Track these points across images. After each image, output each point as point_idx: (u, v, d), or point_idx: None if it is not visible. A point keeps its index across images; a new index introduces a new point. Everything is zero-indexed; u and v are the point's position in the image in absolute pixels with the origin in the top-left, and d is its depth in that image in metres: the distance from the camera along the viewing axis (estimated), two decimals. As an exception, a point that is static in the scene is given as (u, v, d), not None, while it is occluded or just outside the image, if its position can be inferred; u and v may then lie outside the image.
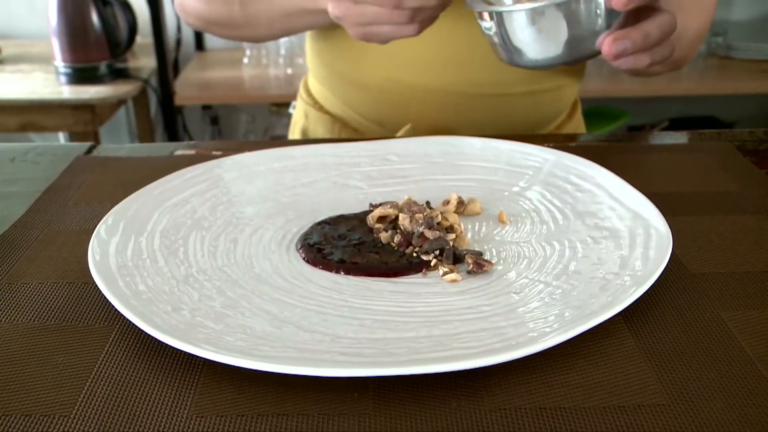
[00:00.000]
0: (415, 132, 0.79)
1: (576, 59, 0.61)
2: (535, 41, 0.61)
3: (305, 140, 0.84)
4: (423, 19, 0.64)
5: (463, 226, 0.53)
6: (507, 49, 0.63)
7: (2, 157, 0.70)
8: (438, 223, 0.52)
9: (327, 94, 0.89)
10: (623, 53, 0.59)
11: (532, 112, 0.84)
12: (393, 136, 0.80)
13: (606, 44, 0.58)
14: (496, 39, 0.63)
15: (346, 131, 0.87)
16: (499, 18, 0.62)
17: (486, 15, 0.63)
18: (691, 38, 0.77)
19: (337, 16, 0.65)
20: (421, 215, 0.51)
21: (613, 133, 0.77)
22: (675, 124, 2.27)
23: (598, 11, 0.59)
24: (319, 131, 0.90)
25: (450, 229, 0.52)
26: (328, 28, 0.81)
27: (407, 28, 0.63)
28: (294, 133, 0.96)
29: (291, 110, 0.94)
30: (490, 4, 0.66)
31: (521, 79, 0.80)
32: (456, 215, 0.53)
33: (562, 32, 0.59)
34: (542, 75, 0.82)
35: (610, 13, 0.59)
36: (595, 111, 2.20)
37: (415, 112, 0.81)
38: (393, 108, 0.82)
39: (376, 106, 0.84)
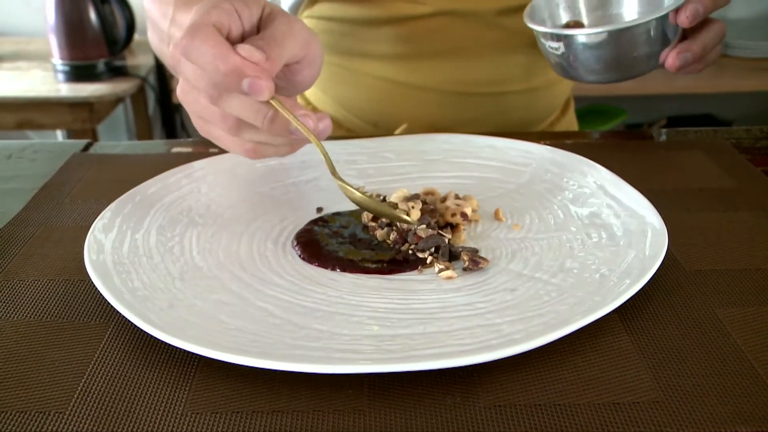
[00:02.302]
0: (411, 131, 0.79)
1: (639, 74, 0.65)
2: (603, 62, 0.64)
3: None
4: (248, 143, 0.51)
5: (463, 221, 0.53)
6: (573, 68, 0.66)
7: (-1, 154, 0.70)
8: (435, 221, 0.52)
9: (320, 94, 0.88)
10: (685, 65, 0.63)
11: (526, 109, 0.84)
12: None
13: (670, 58, 0.63)
14: (561, 60, 0.66)
15: (340, 132, 0.87)
16: (567, 41, 0.64)
17: (553, 36, 0.65)
18: None
19: (178, 95, 0.52)
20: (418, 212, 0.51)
21: (609, 131, 0.77)
22: (672, 122, 2.26)
23: (661, 30, 0.62)
24: None
25: (446, 226, 0.52)
26: (321, 30, 0.81)
27: (233, 141, 0.51)
28: None
29: None
30: (545, 21, 0.68)
31: (515, 78, 0.81)
32: (460, 207, 0.53)
33: (630, 52, 0.63)
34: (536, 73, 0.82)
35: (671, 30, 0.62)
36: (593, 109, 2.20)
37: (409, 111, 0.81)
38: (387, 107, 0.82)
39: (370, 105, 0.84)
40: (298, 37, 0.47)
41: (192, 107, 0.50)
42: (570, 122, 0.93)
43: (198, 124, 0.52)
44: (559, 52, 0.65)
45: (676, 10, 0.61)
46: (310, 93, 0.90)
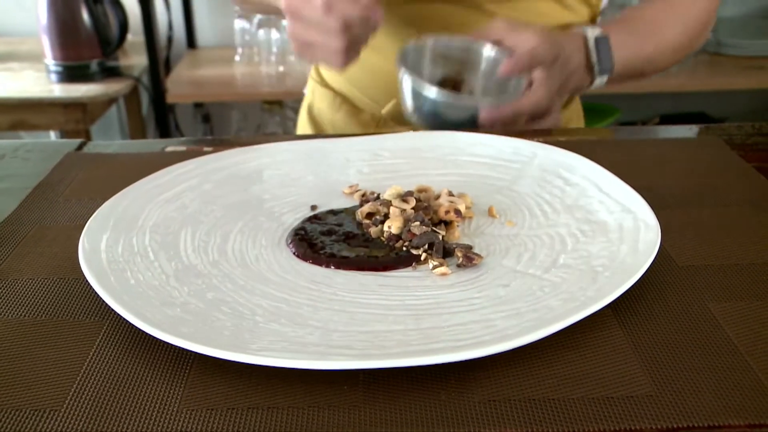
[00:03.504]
0: (398, 109, 0.85)
1: (472, 128, 0.72)
2: (439, 118, 0.74)
3: (295, 136, 0.86)
4: (351, 38, 0.68)
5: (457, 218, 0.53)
6: (415, 110, 0.76)
7: (-8, 154, 0.70)
8: (429, 218, 0.52)
9: (332, 72, 0.96)
10: (494, 125, 0.73)
11: None
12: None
13: (484, 112, 0.73)
14: (409, 102, 0.76)
15: (346, 105, 0.93)
16: (415, 92, 0.74)
17: (408, 81, 0.75)
18: (671, 48, 0.86)
19: (284, 9, 0.70)
20: (412, 211, 0.52)
21: (603, 128, 0.77)
22: (666, 120, 2.27)
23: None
24: (323, 106, 0.96)
25: (440, 224, 0.52)
26: None
27: (335, 41, 0.68)
28: (303, 108, 1.02)
29: (305, 90, 1.04)
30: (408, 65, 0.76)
31: None
32: (453, 205, 0.53)
33: (465, 115, 0.74)
34: None
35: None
36: (587, 107, 2.19)
37: (393, 87, 0.86)
38: (388, 85, 0.86)
39: (374, 83, 0.89)
40: None
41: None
42: (572, 115, 0.97)
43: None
44: (416, 101, 0.75)
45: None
46: (324, 70, 0.97)
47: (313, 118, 0.98)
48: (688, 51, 0.89)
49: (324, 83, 0.96)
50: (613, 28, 0.81)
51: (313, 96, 0.98)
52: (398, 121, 0.87)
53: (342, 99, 0.94)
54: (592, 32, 0.79)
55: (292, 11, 0.69)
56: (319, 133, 0.95)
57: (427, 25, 0.83)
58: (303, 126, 1.00)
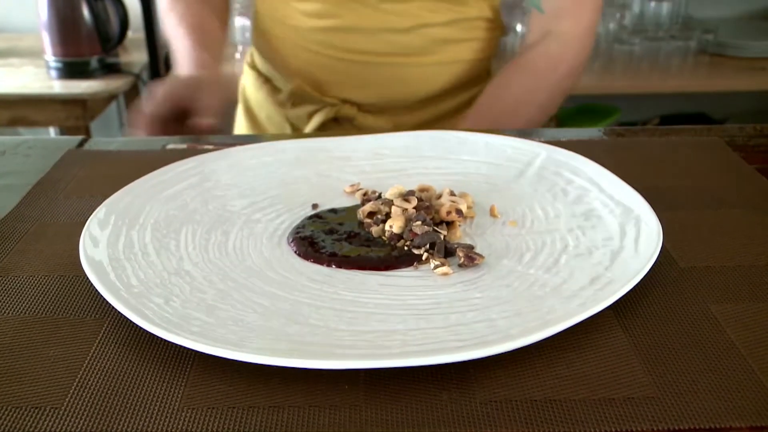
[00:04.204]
0: (299, 88, 0.96)
1: None
2: None
3: (297, 135, 0.88)
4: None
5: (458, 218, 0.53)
6: None
7: (-7, 150, 0.70)
8: (431, 218, 0.52)
9: (258, 56, 1.05)
10: None
11: (427, 81, 0.95)
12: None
13: None
14: None
15: (267, 85, 1.02)
16: None
17: None
18: (536, 104, 0.93)
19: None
20: (413, 211, 0.52)
21: (604, 129, 0.77)
22: (666, 121, 2.27)
23: None
24: (248, 84, 1.06)
25: (441, 223, 0.52)
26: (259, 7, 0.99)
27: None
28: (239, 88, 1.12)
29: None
30: None
31: (411, 52, 0.92)
32: (455, 205, 0.53)
33: None
34: (433, 50, 0.93)
35: None
36: (587, 107, 2.20)
37: (326, 75, 0.96)
38: (309, 70, 0.96)
39: (296, 67, 0.97)
40: None
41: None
42: None
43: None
44: None
45: None
46: (256, 56, 1.05)
47: (244, 95, 1.07)
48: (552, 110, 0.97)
49: (252, 64, 1.06)
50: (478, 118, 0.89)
51: (245, 76, 1.08)
52: (304, 100, 0.96)
53: (264, 79, 1.03)
54: None
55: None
56: (248, 110, 1.06)
57: (332, 17, 0.90)
58: (240, 104, 1.10)
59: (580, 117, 2.20)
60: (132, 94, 2.07)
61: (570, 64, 0.92)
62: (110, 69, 1.86)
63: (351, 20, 0.91)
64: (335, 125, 0.98)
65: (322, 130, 0.96)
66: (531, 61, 0.93)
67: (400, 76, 0.94)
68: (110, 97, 1.90)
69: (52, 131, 2.09)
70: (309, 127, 0.96)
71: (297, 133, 0.97)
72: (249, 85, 1.06)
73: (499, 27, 0.97)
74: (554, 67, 0.92)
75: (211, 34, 0.94)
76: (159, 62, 1.88)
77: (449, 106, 0.99)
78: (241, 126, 1.08)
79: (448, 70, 0.95)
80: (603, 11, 2.04)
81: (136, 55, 1.99)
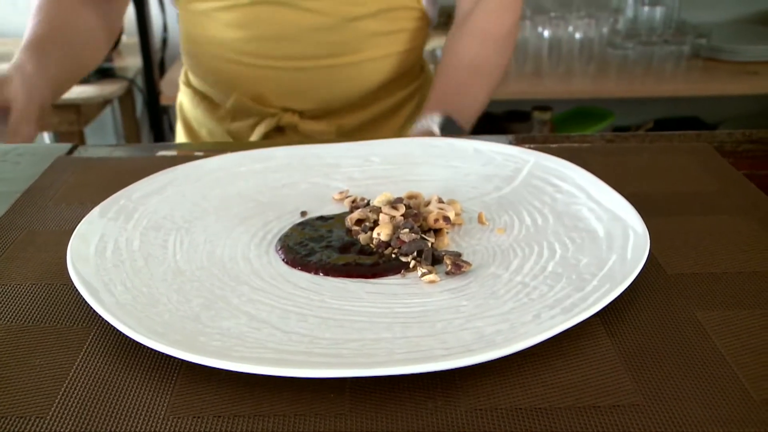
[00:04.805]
0: (240, 102, 0.96)
1: None
2: None
3: (287, 142, 0.88)
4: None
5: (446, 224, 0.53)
6: None
7: (-17, 157, 0.69)
8: (419, 225, 0.52)
9: (190, 71, 1.05)
10: None
11: (355, 80, 0.96)
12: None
13: None
14: None
15: (204, 102, 1.02)
16: None
17: None
18: (492, 62, 0.94)
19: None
20: (401, 218, 0.52)
21: (593, 135, 0.78)
22: (660, 125, 2.28)
23: None
24: (185, 102, 1.06)
25: (429, 231, 0.52)
26: (182, 20, 0.99)
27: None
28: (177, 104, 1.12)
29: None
30: None
31: (338, 52, 0.93)
32: (442, 213, 0.53)
33: None
34: (359, 48, 0.93)
35: None
36: (581, 111, 2.21)
37: (252, 85, 0.96)
38: (235, 81, 0.96)
39: (222, 80, 0.98)
40: None
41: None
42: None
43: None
44: None
45: None
46: (191, 74, 1.05)
47: (182, 113, 1.07)
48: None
49: (187, 82, 1.06)
50: (443, 100, 0.88)
51: (182, 94, 1.08)
52: (245, 114, 0.97)
53: (201, 96, 1.03)
54: (434, 122, 0.83)
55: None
56: (188, 128, 1.06)
57: (256, 26, 0.91)
58: (179, 121, 1.09)
59: (574, 121, 2.20)
60: (126, 98, 2.07)
61: (512, 20, 0.95)
62: (104, 74, 1.87)
63: (274, 25, 0.91)
64: (278, 134, 0.98)
65: (267, 139, 0.96)
66: (471, 22, 0.93)
67: (334, 77, 0.95)
68: (104, 102, 1.90)
69: (46, 137, 2.09)
70: (253, 139, 0.96)
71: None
72: (186, 103, 1.06)
73: (425, 16, 0.97)
74: (499, 21, 0.94)
75: (65, 35, 0.92)
76: (153, 67, 1.88)
77: (389, 104, 0.99)
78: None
79: (382, 65, 0.96)
80: (596, 16, 2.06)
81: (130, 60, 1.99)
